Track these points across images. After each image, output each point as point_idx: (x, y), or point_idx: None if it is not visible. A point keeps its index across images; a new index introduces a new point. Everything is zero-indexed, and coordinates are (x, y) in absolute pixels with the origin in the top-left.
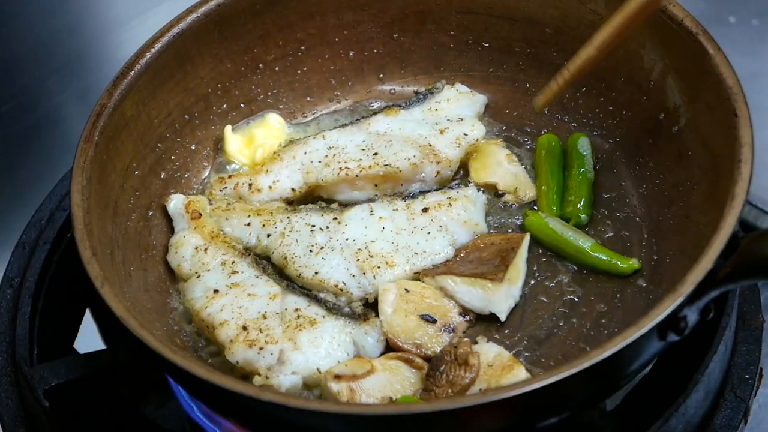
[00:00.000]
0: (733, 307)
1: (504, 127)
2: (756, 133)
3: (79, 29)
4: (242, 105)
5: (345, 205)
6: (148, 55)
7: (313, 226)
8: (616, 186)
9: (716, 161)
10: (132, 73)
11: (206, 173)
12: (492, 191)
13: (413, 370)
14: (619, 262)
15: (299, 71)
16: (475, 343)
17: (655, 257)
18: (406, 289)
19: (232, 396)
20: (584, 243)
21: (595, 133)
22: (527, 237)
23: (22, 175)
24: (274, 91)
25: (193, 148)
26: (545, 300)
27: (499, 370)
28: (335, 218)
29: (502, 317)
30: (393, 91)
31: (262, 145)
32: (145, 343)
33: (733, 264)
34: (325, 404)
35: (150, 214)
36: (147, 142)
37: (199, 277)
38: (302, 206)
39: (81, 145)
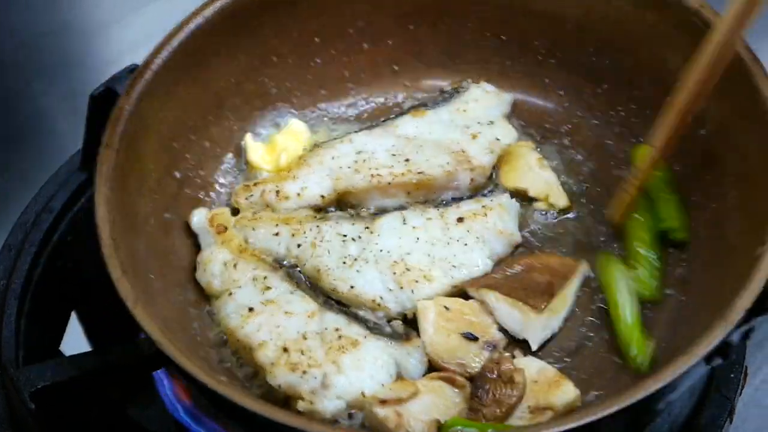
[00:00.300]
0: None
1: (522, 123)
2: None
3: (64, 32)
4: (255, 99)
5: (374, 212)
6: (165, 53)
7: (345, 235)
8: None
9: (749, 171)
10: (149, 73)
11: (220, 172)
12: (522, 196)
13: (456, 390)
14: (631, 352)
15: (312, 63)
16: (513, 357)
17: (683, 264)
18: (445, 307)
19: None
20: (625, 312)
21: (616, 131)
22: (583, 267)
23: (6, 177)
24: (287, 84)
25: (207, 145)
26: (576, 309)
27: (546, 387)
28: (367, 227)
29: (534, 347)
30: (407, 83)
31: (285, 150)
32: (184, 368)
33: None
34: None
35: (166, 216)
36: (163, 142)
37: (231, 294)
38: (331, 213)
39: (102, 152)
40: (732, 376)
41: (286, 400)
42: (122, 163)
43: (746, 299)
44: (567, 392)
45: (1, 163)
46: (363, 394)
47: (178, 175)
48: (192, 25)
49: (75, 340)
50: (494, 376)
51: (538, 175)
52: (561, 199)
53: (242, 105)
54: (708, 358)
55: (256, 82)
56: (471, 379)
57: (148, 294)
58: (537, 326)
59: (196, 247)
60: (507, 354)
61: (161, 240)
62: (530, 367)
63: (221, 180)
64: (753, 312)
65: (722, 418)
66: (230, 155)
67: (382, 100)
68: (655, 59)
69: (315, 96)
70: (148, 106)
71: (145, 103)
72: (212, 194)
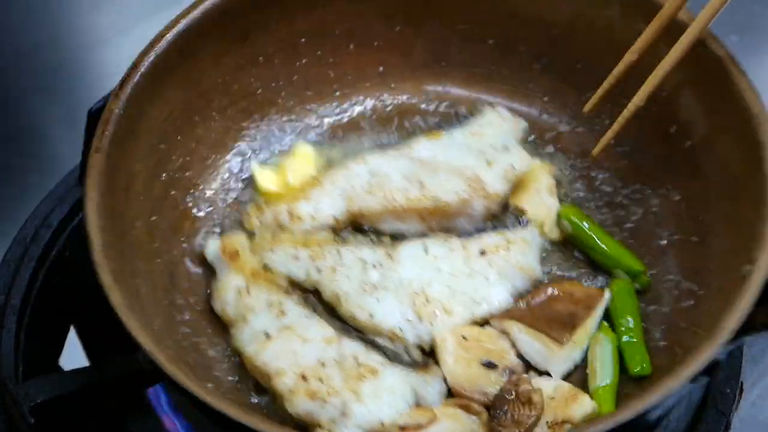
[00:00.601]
0: None
1: None
2: None
3: (61, 44)
4: (242, 99)
5: (395, 236)
6: (153, 53)
7: (365, 261)
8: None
9: (735, 186)
10: (138, 74)
11: (207, 173)
12: (519, 214)
13: (473, 417)
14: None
15: (298, 64)
16: (529, 376)
17: (670, 277)
18: (463, 336)
19: None
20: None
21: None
22: (605, 299)
23: (4, 192)
24: (273, 84)
25: (193, 146)
26: None
27: (563, 402)
28: (388, 254)
29: (556, 378)
30: (393, 85)
31: (293, 170)
32: (175, 379)
33: None
34: None
35: (153, 219)
36: (149, 143)
37: (246, 321)
38: (351, 237)
39: (92, 156)
40: (728, 391)
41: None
42: (111, 166)
43: (733, 320)
44: (584, 405)
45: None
46: (382, 423)
47: (164, 176)
48: (179, 27)
49: (74, 355)
50: (512, 397)
51: (542, 201)
52: (554, 232)
53: (229, 105)
54: (694, 378)
55: (243, 83)
56: (491, 406)
57: (136, 299)
58: (560, 359)
59: (181, 249)
60: (525, 376)
61: (148, 243)
62: (546, 385)
63: (208, 182)
64: (741, 331)
65: None
66: (217, 156)
67: (369, 101)
68: (643, 67)
69: (301, 96)
70: (136, 108)
71: (134, 104)
72: (198, 196)
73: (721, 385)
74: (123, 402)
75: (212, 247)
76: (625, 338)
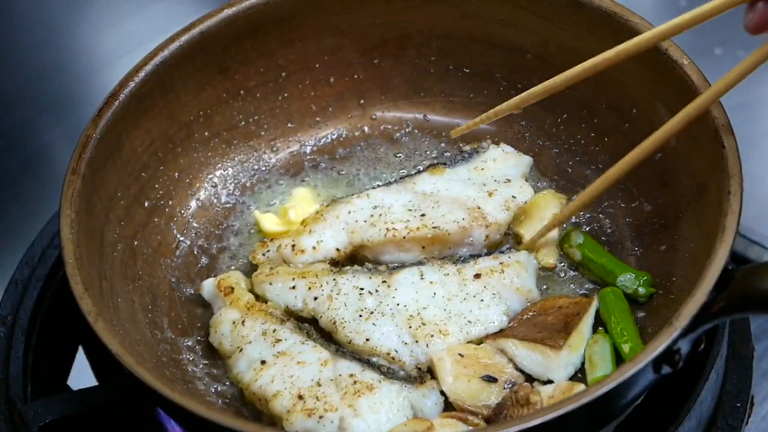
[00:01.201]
0: (724, 336)
1: None
2: (743, 164)
3: (67, 68)
4: (224, 132)
5: (392, 266)
6: (132, 83)
7: (362, 289)
8: (601, 214)
9: (701, 190)
10: (117, 102)
11: (190, 202)
12: (516, 240)
13: (470, 428)
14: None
15: (280, 97)
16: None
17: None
18: (460, 354)
19: None
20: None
21: (577, 158)
22: (595, 303)
23: (12, 213)
24: (255, 117)
25: (176, 176)
26: None
27: (561, 396)
28: (384, 281)
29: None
30: (374, 116)
31: (293, 207)
32: (141, 379)
33: (726, 298)
34: None
35: (135, 244)
36: (131, 172)
37: (241, 351)
38: (348, 267)
39: (68, 177)
40: (738, 405)
41: None
42: (89, 188)
43: (691, 306)
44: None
45: (7, 199)
46: None
47: (147, 204)
48: (156, 59)
49: (82, 375)
50: (512, 402)
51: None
52: (549, 259)
53: (211, 137)
54: (656, 366)
55: (225, 115)
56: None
57: (114, 315)
58: (559, 364)
59: (164, 273)
60: (526, 383)
61: (131, 266)
62: (546, 388)
63: (191, 210)
64: (698, 319)
65: None
66: (200, 185)
67: (349, 133)
68: (612, 87)
69: (283, 129)
70: (115, 135)
71: (113, 131)
72: (181, 223)
73: (731, 398)
74: (132, 421)
75: (208, 286)
76: (620, 336)
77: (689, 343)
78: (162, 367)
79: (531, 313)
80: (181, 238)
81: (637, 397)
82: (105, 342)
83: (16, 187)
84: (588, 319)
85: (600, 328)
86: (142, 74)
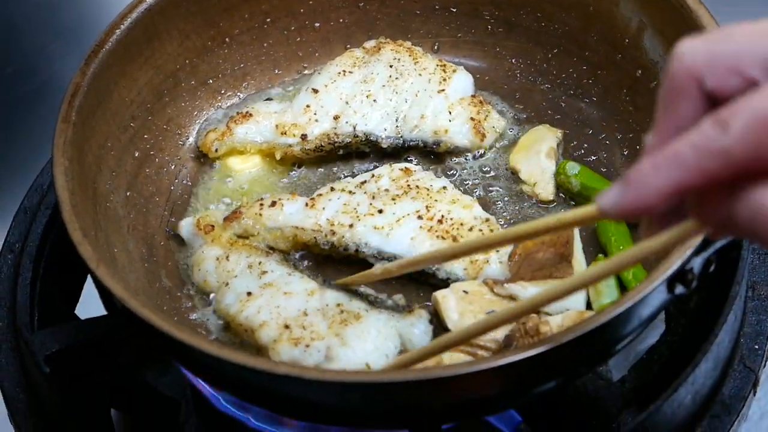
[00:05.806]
0: (743, 277)
1: (476, 92)
2: None
3: None
4: (210, 80)
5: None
6: (117, 32)
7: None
8: (597, 147)
9: None
10: (103, 51)
11: (179, 152)
12: (514, 174)
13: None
14: None
15: (265, 44)
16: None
17: None
18: (464, 291)
19: (233, 368)
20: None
21: (570, 92)
22: (576, 230)
23: (23, 140)
24: (242, 65)
25: (165, 126)
26: None
27: (571, 324)
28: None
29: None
30: None
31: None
32: (146, 320)
33: None
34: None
35: (128, 194)
36: (120, 122)
37: (227, 285)
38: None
39: (59, 126)
40: (756, 347)
41: None
42: (80, 138)
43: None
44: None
45: (19, 126)
46: (367, 365)
47: (137, 154)
48: (144, 5)
49: (90, 304)
50: (522, 333)
51: (539, 161)
52: (546, 192)
53: (198, 86)
54: (671, 285)
55: (211, 63)
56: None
57: (111, 264)
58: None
59: (158, 224)
60: (534, 315)
61: (125, 216)
62: (554, 319)
63: (181, 160)
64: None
65: (746, 390)
66: (188, 137)
67: None
68: (602, 17)
69: (270, 75)
70: (103, 83)
71: (101, 79)
72: (172, 173)
73: (749, 341)
74: (140, 353)
75: (186, 225)
76: None
77: (702, 263)
78: (165, 315)
79: (517, 257)
80: (173, 188)
81: (650, 319)
82: (109, 287)
83: (26, 114)
84: (577, 244)
85: (600, 254)
86: (127, 22)
